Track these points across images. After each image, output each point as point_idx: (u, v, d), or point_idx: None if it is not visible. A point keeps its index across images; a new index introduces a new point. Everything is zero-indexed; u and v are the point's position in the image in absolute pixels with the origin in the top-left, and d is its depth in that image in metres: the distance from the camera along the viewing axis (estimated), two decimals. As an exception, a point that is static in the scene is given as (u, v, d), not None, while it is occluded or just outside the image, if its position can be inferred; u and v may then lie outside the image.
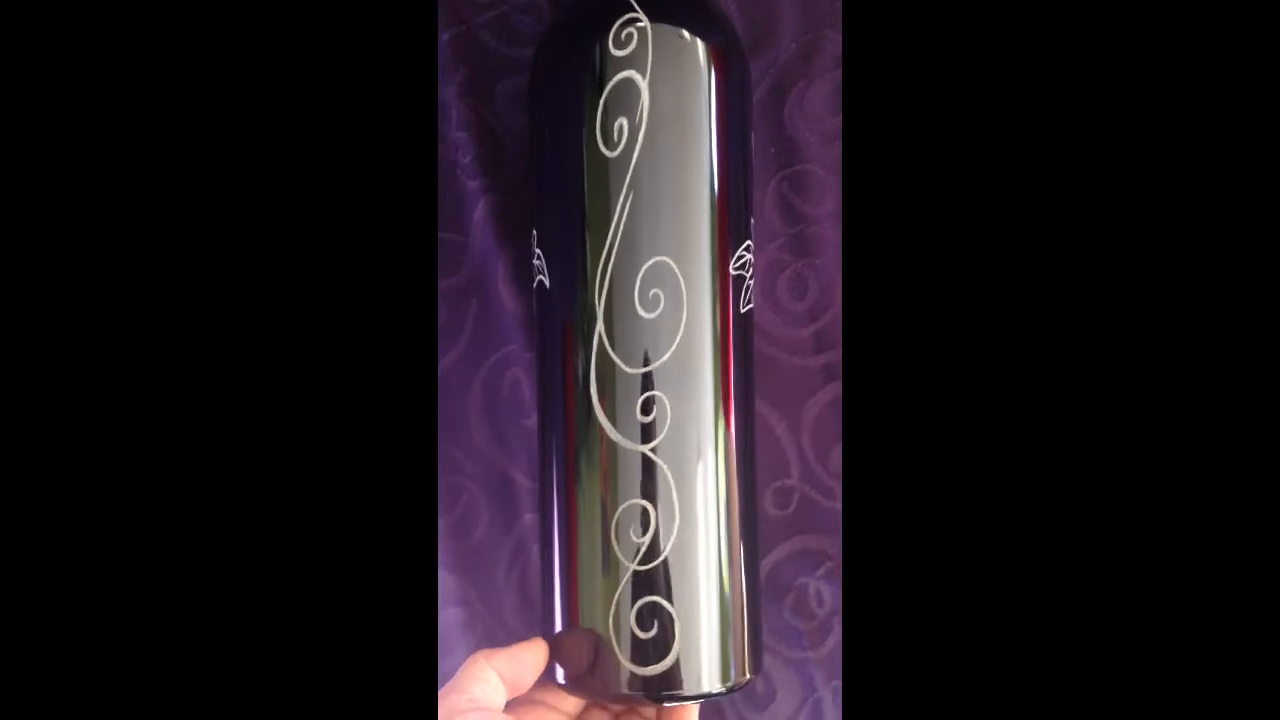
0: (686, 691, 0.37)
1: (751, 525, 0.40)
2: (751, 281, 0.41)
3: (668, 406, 0.38)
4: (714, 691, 0.38)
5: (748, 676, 0.39)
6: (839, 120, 0.46)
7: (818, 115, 0.46)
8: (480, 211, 0.46)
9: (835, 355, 0.46)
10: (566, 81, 0.39)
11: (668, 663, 0.37)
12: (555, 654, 0.39)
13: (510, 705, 0.39)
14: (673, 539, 0.37)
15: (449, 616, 0.46)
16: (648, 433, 0.38)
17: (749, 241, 0.40)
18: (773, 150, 0.46)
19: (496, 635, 0.46)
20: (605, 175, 0.38)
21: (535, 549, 0.45)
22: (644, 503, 0.37)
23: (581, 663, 0.38)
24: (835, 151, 0.46)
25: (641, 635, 0.37)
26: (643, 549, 0.37)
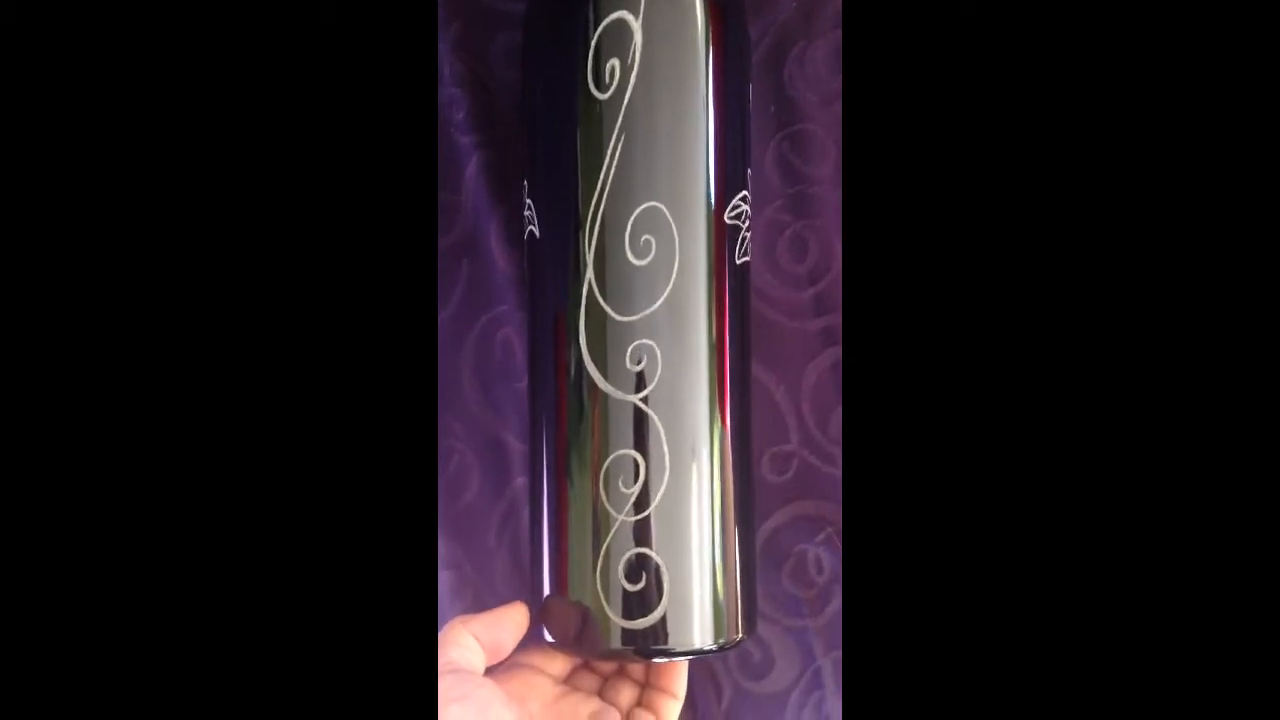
0: (675, 647, 0.36)
1: (745, 478, 0.39)
2: (748, 234, 0.40)
3: (658, 355, 0.37)
4: (705, 648, 0.36)
5: (740, 635, 0.38)
6: (839, 81, 0.45)
7: (818, 75, 0.45)
8: (473, 169, 0.45)
9: (835, 319, 0.45)
10: (559, 24, 0.38)
11: (656, 616, 0.36)
12: (543, 619, 0.38)
13: (496, 669, 0.38)
14: (662, 490, 0.36)
15: (439, 580, 0.45)
16: (638, 382, 0.37)
17: (745, 192, 0.40)
18: (772, 109, 0.45)
19: (487, 600, 0.44)
20: (597, 118, 0.37)
21: (526, 511, 0.44)
22: (634, 454, 0.36)
23: (569, 629, 0.37)
24: (835, 112, 0.45)
25: (630, 588, 0.36)
26: (632, 500, 0.36)
